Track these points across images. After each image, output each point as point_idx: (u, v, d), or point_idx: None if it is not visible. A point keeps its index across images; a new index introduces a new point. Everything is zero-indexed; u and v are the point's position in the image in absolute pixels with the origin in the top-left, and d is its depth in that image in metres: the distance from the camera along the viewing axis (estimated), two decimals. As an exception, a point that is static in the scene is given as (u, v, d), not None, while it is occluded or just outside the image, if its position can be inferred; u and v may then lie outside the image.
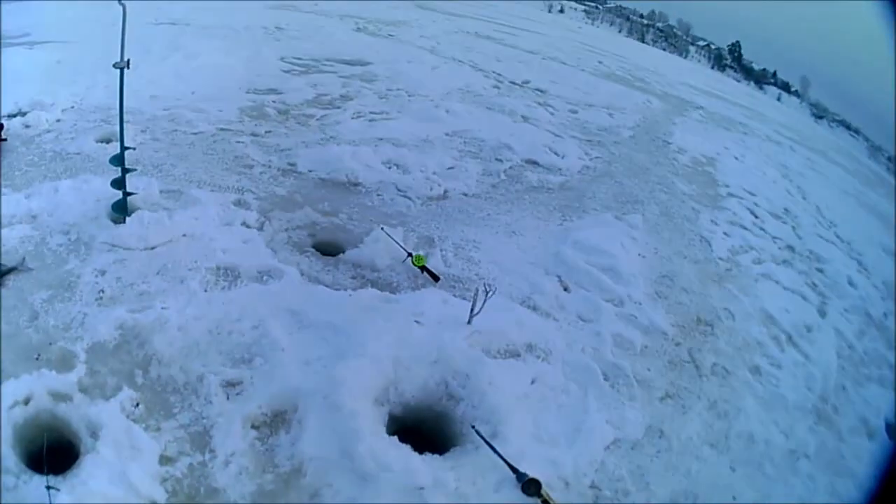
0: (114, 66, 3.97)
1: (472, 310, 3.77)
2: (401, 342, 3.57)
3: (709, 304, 5.24)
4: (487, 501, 2.93)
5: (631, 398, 3.87)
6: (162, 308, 3.71)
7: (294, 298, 3.97)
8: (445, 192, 6.07)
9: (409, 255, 4.44)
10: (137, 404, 3.20)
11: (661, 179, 7.87)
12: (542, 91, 11.17)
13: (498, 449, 2.99)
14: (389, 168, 6.25)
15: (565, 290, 4.76)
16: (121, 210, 4.52)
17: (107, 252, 4.23)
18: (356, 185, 5.85)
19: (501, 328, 4.00)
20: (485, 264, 4.92)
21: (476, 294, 3.77)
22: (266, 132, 6.71)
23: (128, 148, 4.41)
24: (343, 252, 4.67)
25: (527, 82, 11.61)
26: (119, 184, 4.47)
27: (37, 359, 3.37)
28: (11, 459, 2.73)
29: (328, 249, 4.68)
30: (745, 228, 7.26)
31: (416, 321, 3.82)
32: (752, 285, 5.87)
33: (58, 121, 6.34)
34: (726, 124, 14.59)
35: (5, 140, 5.69)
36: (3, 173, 5.11)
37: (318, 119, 7.36)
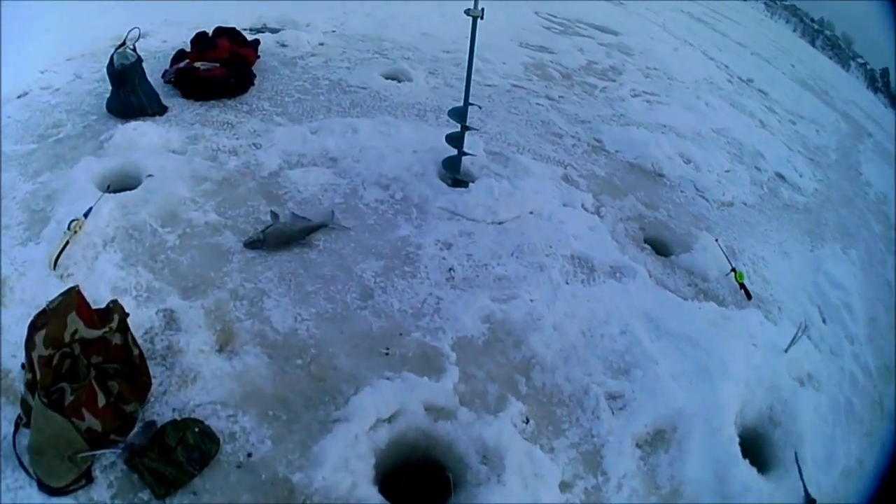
0: (466, 13, 3.57)
1: (792, 339, 3.50)
2: (747, 365, 3.27)
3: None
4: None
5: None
6: (531, 300, 3.29)
7: (649, 303, 3.54)
8: (732, 198, 5.40)
9: (733, 269, 4.03)
10: (527, 420, 2.81)
11: (861, 214, 7.05)
12: (764, 93, 9.91)
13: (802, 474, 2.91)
14: (686, 163, 5.52)
15: (823, 321, 4.29)
16: (454, 170, 4.06)
17: (447, 220, 3.74)
18: (660, 175, 5.21)
19: (797, 356, 3.57)
20: (774, 286, 4.30)
21: (800, 328, 3.59)
22: (559, 97, 6.00)
23: (472, 104, 3.86)
24: (674, 254, 4.20)
25: (751, 80, 10.32)
26: (456, 140, 3.99)
27: (386, 354, 2.93)
28: (376, 498, 2.35)
29: (659, 248, 4.23)
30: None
31: (752, 344, 3.46)
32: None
33: (321, 44, 5.61)
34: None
35: (259, 58, 5.09)
36: (268, 97, 4.56)
37: (600, 91, 6.62)
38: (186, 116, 4.51)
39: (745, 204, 5.36)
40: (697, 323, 3.43)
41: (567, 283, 3.54)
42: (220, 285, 3.20)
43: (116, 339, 2.56)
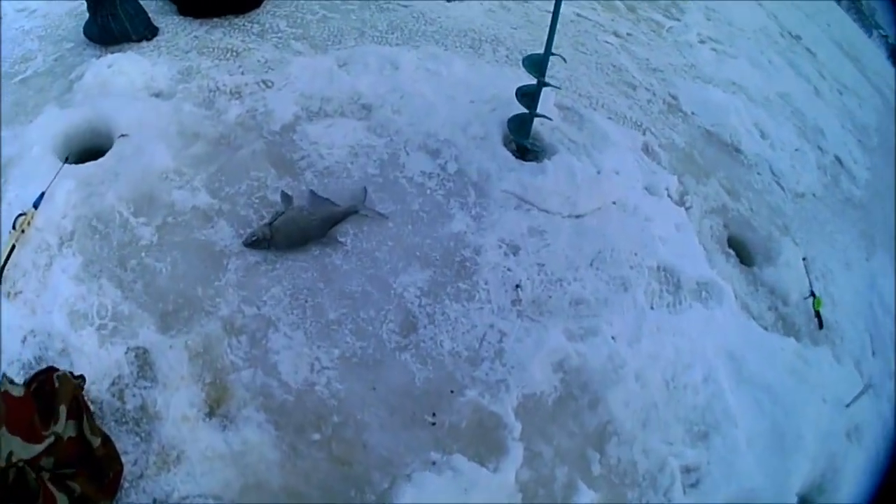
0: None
1: (856, 397, 2.89)
2: (817, 430, 2.66)
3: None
4: None
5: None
6: (612, 337, 2.53)
7: (733, 336, 2.81)
8: (805, 188, 4.20)
9: (812, 294, 3.31)
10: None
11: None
12: (812, 54, 7.30)
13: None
14: (762, 138, 4.35)
15: (872, 354, 3.52)
16: (523, 134, 3.01)
17: (514, 210, 2.78)
18: (738, 151, 4.08)
19: (853, 409, 2.97)
20: (839, 308, 3.41)
21: (866, 387, 2.94)
22: (627, 34, 4.78)
23: (554, 54, 2.76)
24: (756, 265, 3.34)
25: (799, 38, 7.19)
26: (529, 98, 2.88)
27: (432, 424, 2.21)
28: None
29: (742, 254, 3.41)
30: None
31: (822, 399, 2.83)
32: None
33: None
34: None
35: None
36: (285, 13, 3.43)
37: (667, 31, 5.31)
38: (180, 42, 3.29)
39: (814, 195, 4.25)
40: (778, 367, 2.80)
41: (652, 309, 2.70)
42: (211, 310, 2.29)
43: (69, 431, 1.83)
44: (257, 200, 2.58)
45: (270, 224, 2.43)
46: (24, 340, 2.16)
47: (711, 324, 2.78)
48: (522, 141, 3.04)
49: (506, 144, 3.07)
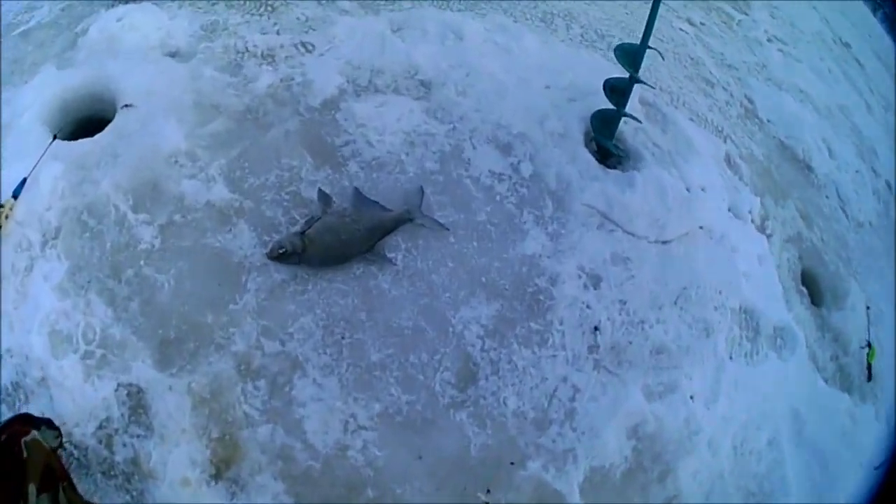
0: None
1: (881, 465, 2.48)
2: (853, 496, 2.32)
3: None
4: None
5: None
6: (691, 397, 2.14)
7: (801, 392, 2.44)
8: (864, 217, 3.68)
9: (869, 344, 2.89)
10: None
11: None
12: (861, 66, 6.81)
13: None
14: (829, 157, 3.76)
15: None
16: (607, 134, 2.46)
17: (596, 230, 2.26)
18: (809, 169, 3.51)
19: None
20: (883, 356, 3.00)
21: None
22: (700, 23, 4.20)
23: (649, 47, 2.25)
24: (825, 306, 2.91)
25: (848, 45, 6.93)
26: (619, 93, 2.34)
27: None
28: None
29: (813, 292, 2.96)
30: None
31: (860, 464, 2.46)
32: None
33: None
34: None
35: None
36: None
37: (737, 24, 4.62)
38: (206, -11, 2.68)
39: (870, 224, 3.70)
40: (832, 428, 2.49)
41: (731, 359, 2.30)
42: (223, 342, 1.80)
43: (42, 505, 1.45)
44: (288, 197, 2.03)
45: (303, 233, 1.88)
46: (-1, 359, 1.70)
47: (784, 378, 2.41)
48: (606, 143, 2.45)
49: (586, 144, 2.49)
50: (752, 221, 2.75)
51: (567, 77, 2.66)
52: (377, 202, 2.04)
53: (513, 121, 2.40)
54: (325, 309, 1.87)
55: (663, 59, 2.86)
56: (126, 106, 2.14)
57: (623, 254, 2.25)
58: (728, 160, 2.92)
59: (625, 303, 2.17)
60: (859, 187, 3.72)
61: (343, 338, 1.84)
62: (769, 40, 4.74)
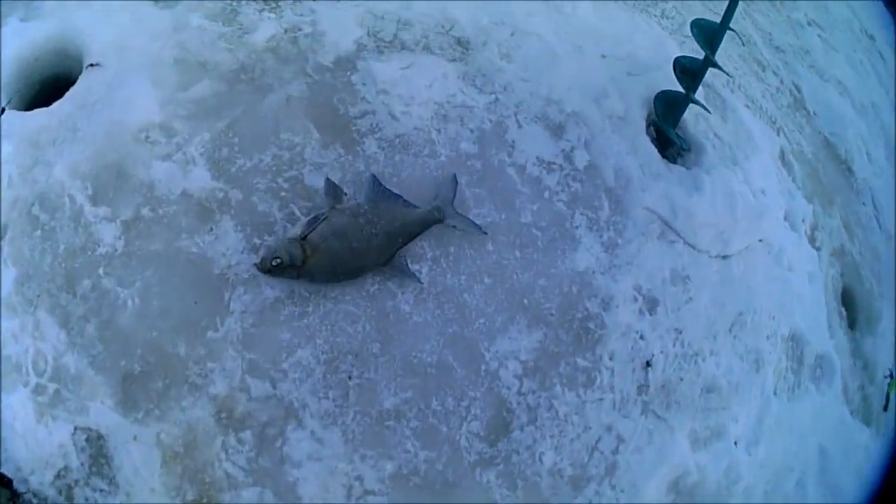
0: None
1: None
2: None
3: None
4: None
5: None
6: (735, 443, 1.85)
7: (830, 428, 2.16)
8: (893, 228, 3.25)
9: (891, 374, 2.60)
10: None
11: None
12: (883, 59, 5.80)
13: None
14: (869, 161, 3.33)
15: None
16: (671, 120, 2.03)
17: (657, 240, 1.85)
18: (850, 171, 3.06)
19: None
20: None
21: None
22: None
23: (731, 29, 1.82)
24: (858, 329, 2.56)
25: (873, 38, 5.58)
26: (691, 75, 1.91)
27: None
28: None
29: (850, 312, 2.60)
30: None
31: None
32: None
33: None
34: None
35: None
36: None
37: (781, 2, 4.09)
38: None
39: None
40: (852, 465, 2.22)
41: (775, 395, 2.01)
42: (199, 381, 1.41)
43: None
44: (286, 186, 1.58)
45: (304, 238, 1.45)
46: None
47: (819, 413, 2.17)
48: (669, 131, 1.98)
49: (646, 131, 2.02)
50: (806, 234, 2.34)
51: (625, 47, 2.13)
52: (400, 195, 1.59)
53: (566, 96, 1.90)
54: (328, 339, 1.46)
55: (743, 44, 2.37)
56: (91, 65, 1.65)
57: (683, 271, 1.84)
58: (782, 157, 2.44)
59: (680, 332, 1.79)
60: (891, 195, 3.25)
61: (350, 377, 1.45)
62: (809, 24, 4.14)
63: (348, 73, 1.76)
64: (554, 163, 1.79)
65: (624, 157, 1.88)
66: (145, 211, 1.50)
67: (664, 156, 2.02)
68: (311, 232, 1.46)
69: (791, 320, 2.08)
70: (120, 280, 1.43)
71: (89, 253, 1.45)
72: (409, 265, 1.55)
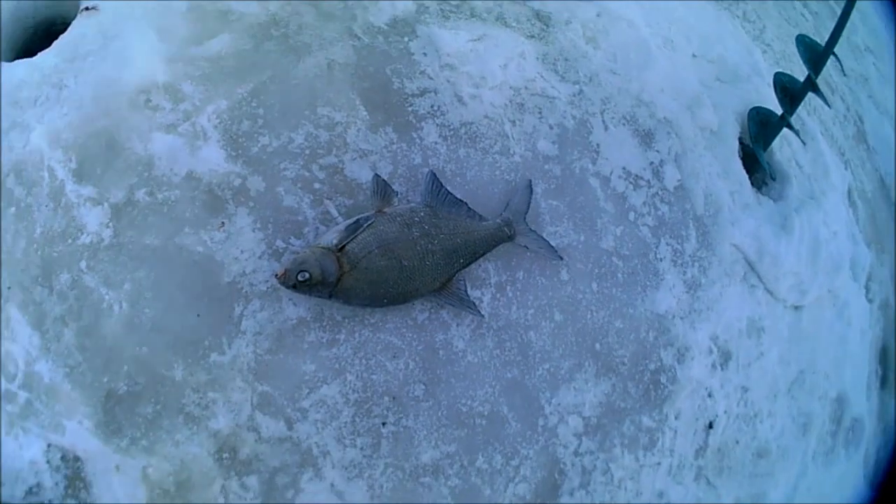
0: None
1: None
2: None
3: None
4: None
5: None
6: None
7: (845, 494, 1.96)
8: None
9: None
10: None
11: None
12: None
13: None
14: None
15: None
16: (762, 141, 1.69)
17: (739, 283, 1.55)
18: None
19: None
20: None
21: None
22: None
23: (833, 54, 1.53)
24: (885, 387, 2.28)
25: None
26: (792, 95, 1.59)
27: None
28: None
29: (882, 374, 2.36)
30: None
31: None
32: None
33: None
34: None
35: None
36: None
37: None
38: None
39: None
40: None
41: (812, 460, 1.80)
42: (197, 412, 1.09)
43: None
44: (322, 175, 1.22)
45: (342, 248, 1.10)
46: None
47: (842, 481, 1.97)
48: (762, 156, 1.66)
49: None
50: (865, 287, 2.09)
51: (715, 48, 1.78)
52: (464, 202, 1.24)
53: (657, 98, 1.55)
54: (362, 375, 1.13)
55: (844, 74, 2.14)
56: (87, 9, 1.27)
57: (759, 321, 1.58)
58: (850, 196, 2.15)
59: (747, 390, 1.55)
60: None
61: (384, 423, 1.13)
62: (866, 49, 3.85)
63: (406, 38, 1.38)
64: (641, 177, 1.45)
65: (715, 180, 1.56)
66: (140, 194, 1.14)
67: (750, 177, 1.71)
68: (350, 241, 1.11)
69: (841, 381, 1.85)
70: (105, 278, 1.08)
71: (69, 241, 1.10)
72: (469, 291, 1.21)
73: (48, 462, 1.06)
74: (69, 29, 1.33)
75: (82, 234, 1.10)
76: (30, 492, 1.06)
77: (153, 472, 1.05)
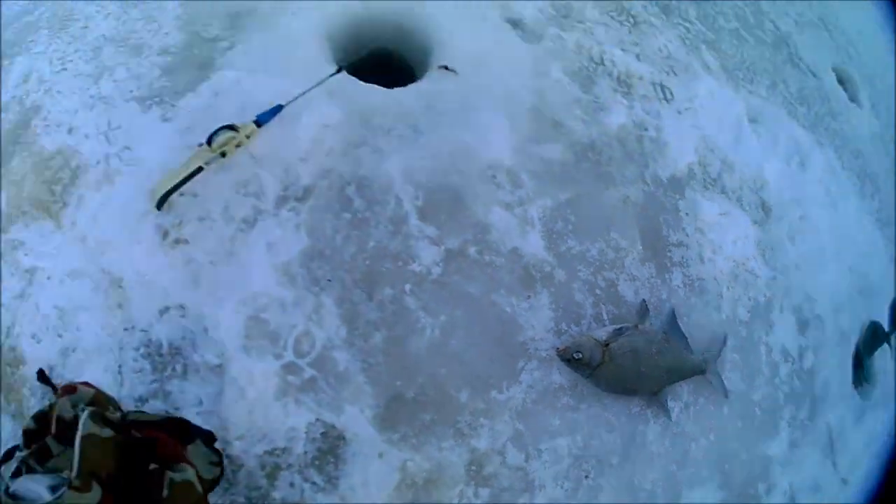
0: None
1: None
2: None
3: None
4: None
5: None
6: None
7: None
8: None
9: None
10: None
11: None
12: None
13: None
14: None
15: None
16: (868, 354, 2.15)
17: (819, 454, 1.98)
18: None
19: None
20: None
21: None
22: None
23: None
24: None
25: None
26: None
27: None
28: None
29: None
30: None
31: None
32: None
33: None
34: None
35: None
36: None
37: None
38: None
39: None
40: None
41: None
42: (466, 431, 1.49)
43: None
44: (603, 285, 1.62)
45: (607, 344, 1.51)
46: (162, 313, 1.36)
47: None
48: (868, 363, 2.12)
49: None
50: None
51: (866, 264, 2.20)
52: (686, 337, 1.66)
53: (819, 297, 1.97)
54: (585, 438, 1.54)
55: None
56: (446, 68, 1.61)
57: (819, 485, 1.99)
58: None
59: None
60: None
61: (587, 476, 1.54)
62: None
63: (677, 196, 1.78)
64: (791, 356, 1.88)
65: (835, 370, 2.00)
66: (473, 250, 1.50)
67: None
68: (614, 342, 1.52)
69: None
70: (425, 305, 1.43)
71: (401, 264, 1.44)
72: (668, 401, 1.63)
73: (306, 433, 1.36)
74: (425, 78, 1.67)
75: (414, 262, 1.44)
76: (270, 452, 1.35)
77: (412, 466, 1.40)
